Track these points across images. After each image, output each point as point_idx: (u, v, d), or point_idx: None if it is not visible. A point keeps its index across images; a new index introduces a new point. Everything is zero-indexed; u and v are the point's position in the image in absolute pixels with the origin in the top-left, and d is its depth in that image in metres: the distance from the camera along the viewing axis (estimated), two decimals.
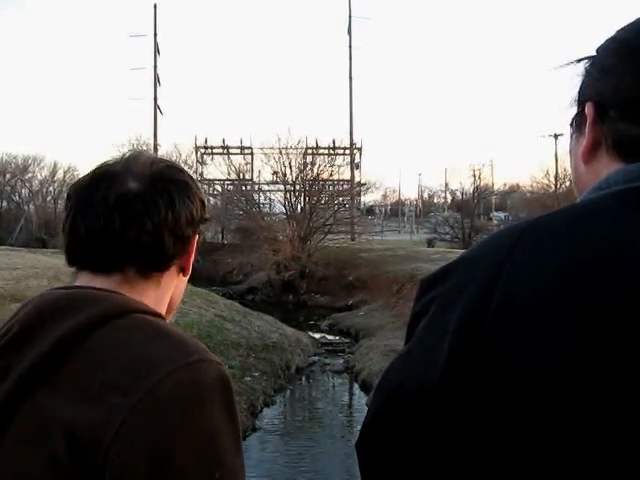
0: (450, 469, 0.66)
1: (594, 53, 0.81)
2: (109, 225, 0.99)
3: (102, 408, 0.84)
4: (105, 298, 0.96)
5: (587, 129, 0.78)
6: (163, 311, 1.08)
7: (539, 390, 0.61)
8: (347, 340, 15.99)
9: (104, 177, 1.03)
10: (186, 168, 1.18)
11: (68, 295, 0.98)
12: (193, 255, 1.10)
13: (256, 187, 32.90)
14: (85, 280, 1.03)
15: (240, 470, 0.89)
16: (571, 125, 0.85)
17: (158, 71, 40.13)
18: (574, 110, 0.84)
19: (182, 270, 1.10)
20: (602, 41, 0.81)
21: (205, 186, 35.23)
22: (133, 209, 0.99)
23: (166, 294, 1.09)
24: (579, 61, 0.82)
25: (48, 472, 0.84)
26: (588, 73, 0.81)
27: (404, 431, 0.70)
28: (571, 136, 0.85)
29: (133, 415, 0.83)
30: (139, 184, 1.02)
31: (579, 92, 0.83)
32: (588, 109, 0.78)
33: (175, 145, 36.72)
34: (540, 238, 0.68)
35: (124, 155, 1.09)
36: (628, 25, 0.78)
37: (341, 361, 13.70)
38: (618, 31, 0.79)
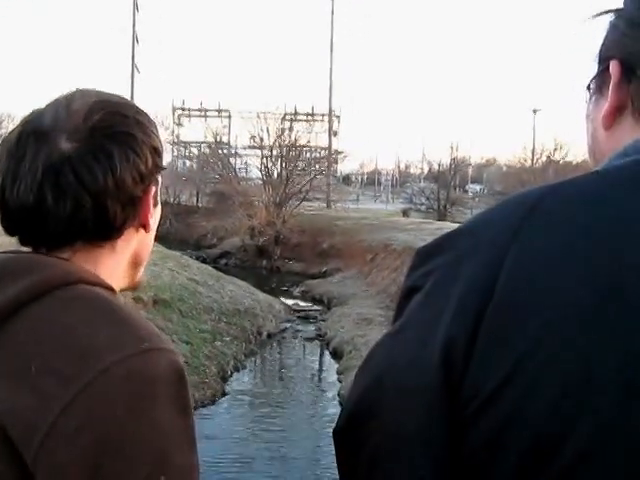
0: (443, 458, 0.61)
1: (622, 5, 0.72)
2: (41, 201, 0.84)
3: (36, 397, 0.73)
4: (51, 264, 0.84)
5: (611, 90, 0.70)
6: (121, 278, 0.97)
7: (551, 384, 0.56)
8: (319, 307, 16.05)
9: (31, 137, 0.87)
10: (162, 130, 1.04)
11: (5, 260, 0.85)
12: (152, 209, 0.96)
13: (233, 151, 32.59)
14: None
15: (192, 470, 0.78)
16: (588, 88, 0.76)
17: (137, 29, 39.38)
18: (594, 69, 0.75)
19: (143, 226, 0.96)
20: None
21: (181, 148, 34.80)
22: (65, 180, 0.84)
23: (124, 258, 0.97)
24: (606, 13, 0.73)
25: None
26: (614, 27, 0.72)
27: (394, 417, 0.64)
28: (590, 99, 0.77)
29: (71, 407, 0.72)
30: (71, 145, 0.85)
31: (601, 49, 0.74)
32: (613, 68, 0.70)
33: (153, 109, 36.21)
34: (553, 215, 0.62)
35: (58, 99, 0.92)
36: None
37: (313, 328, 13.77)
38: None
